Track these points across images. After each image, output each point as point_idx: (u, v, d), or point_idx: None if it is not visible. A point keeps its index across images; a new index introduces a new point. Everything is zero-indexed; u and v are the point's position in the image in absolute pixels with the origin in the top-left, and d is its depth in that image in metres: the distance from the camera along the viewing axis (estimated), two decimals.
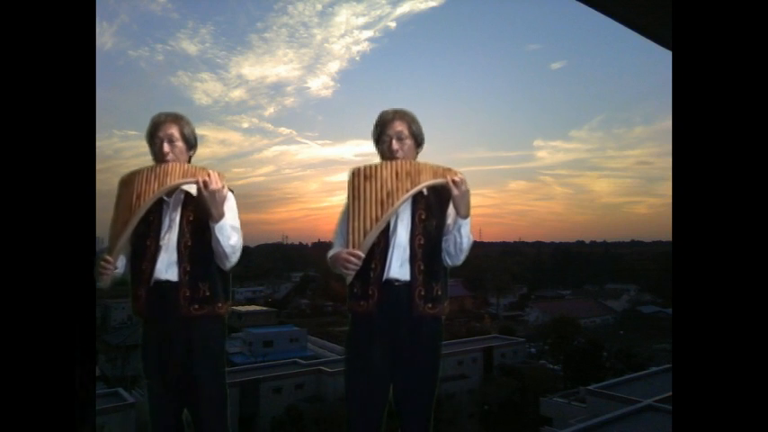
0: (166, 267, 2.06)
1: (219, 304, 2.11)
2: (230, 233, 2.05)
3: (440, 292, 2.06)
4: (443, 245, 2.09)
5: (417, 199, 2.07)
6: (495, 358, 33.54)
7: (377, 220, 1.98)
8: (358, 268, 2.00)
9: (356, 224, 2.00)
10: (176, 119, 2.16)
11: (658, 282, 59.99)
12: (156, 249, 2.08)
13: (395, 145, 2.10)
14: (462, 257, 2.09)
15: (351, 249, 1.99)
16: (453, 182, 1.98)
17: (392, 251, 2.04)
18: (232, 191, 2.16)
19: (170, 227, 2.10)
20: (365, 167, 2.06)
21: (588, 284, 71.97)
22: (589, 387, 23.42)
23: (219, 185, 2.01)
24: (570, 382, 29.72)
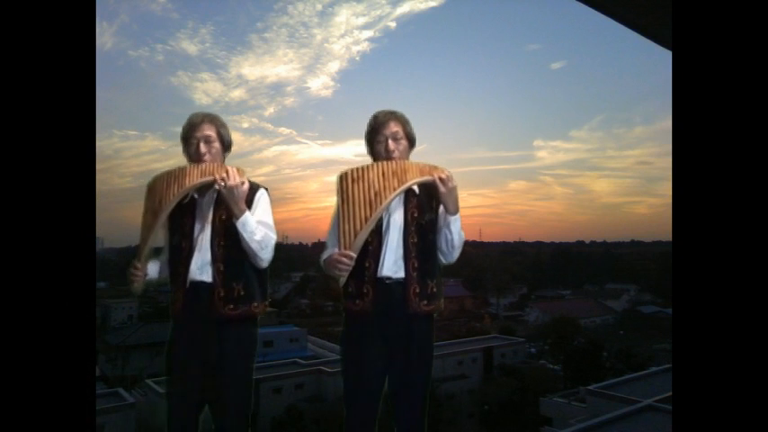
0: (200, 268, 2.04)
1: (255, 304, 2.08)
2: (254, 229, 2.01)
3: (435, 290, 2.08)
4: (437, 242, 2.11)
5: (409, 198, 2.10)
6: (495, 358, 33.51)
7: (366, 220, 2.00)
8: (350, 269, 2.02)
9: (347, 226, 2.02)
10: (213, 120, 2.15)
11: (658, 282, 60.07)
12: (190, 250, 2.05)
13: (391, 145, 2.13)
14: (455, 254, 2.11)
15: (342, 251, 2.00)
16: (440, 179, 2.00)
17: (385, 249, 2.07)
18: (266, 188, 2.16)
19: (203, 227, 2.08)
20: (352, 170, 2.09)
21: (588, 284, 72.07)
22: (589, 387, 23.41)
23: (238, 182, 1.99)
24: (570, 382, 29.70)
